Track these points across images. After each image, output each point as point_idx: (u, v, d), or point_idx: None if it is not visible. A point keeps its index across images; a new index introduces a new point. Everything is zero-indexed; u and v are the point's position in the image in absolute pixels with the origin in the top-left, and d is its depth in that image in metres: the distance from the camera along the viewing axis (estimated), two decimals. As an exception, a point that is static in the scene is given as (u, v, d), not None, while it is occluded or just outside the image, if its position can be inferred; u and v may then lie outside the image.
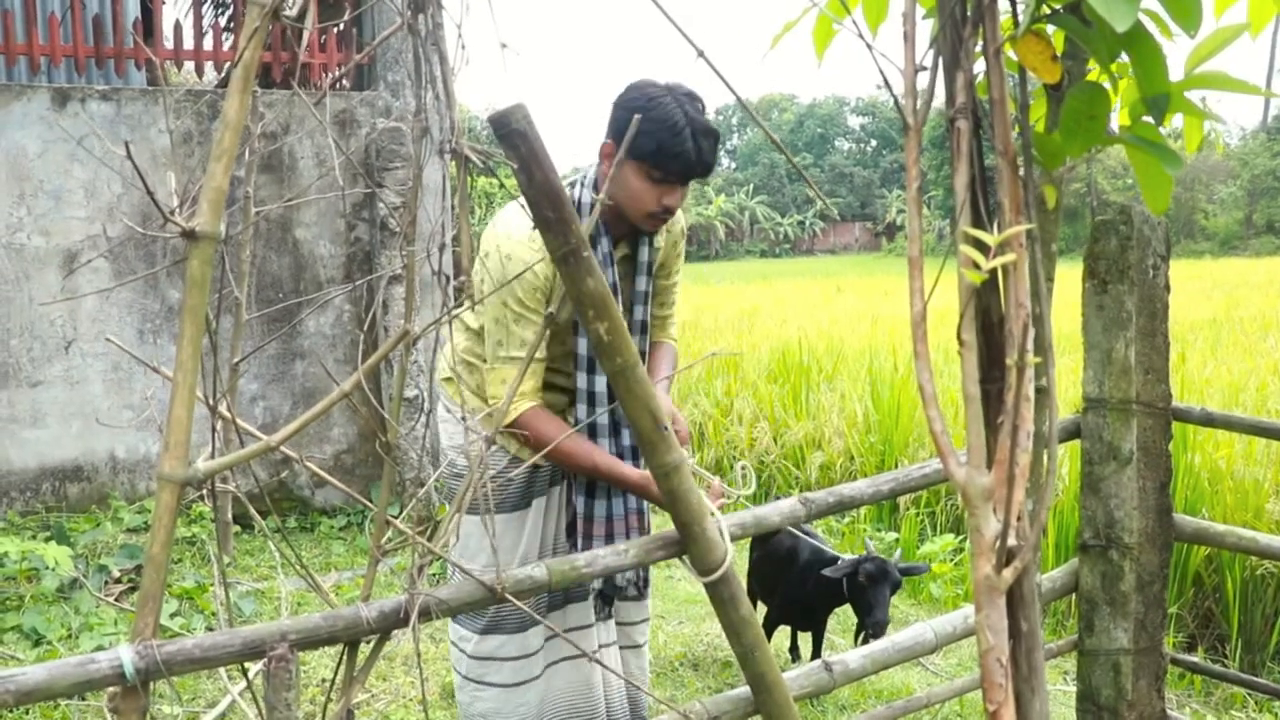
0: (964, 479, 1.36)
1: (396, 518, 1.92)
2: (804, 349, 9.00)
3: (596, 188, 2.40)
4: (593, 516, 2.42)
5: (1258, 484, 4.67)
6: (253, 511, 2.06)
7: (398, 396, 2.03)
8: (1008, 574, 1.33)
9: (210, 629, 4.31)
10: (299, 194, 5.09)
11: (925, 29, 1.45)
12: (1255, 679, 2.97)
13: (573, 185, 2.44)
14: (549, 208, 1.73)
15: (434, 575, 4.60)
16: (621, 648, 2.63)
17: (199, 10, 5.56)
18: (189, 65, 5.78)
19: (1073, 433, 2.68)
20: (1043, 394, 2.39)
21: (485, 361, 2.42)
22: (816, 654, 3.78)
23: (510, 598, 1.89)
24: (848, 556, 3.50)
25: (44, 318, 5.08)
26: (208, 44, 5.66)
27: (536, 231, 2.41)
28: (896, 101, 1.44)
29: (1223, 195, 47.87)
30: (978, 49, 1.39)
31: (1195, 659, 3.10)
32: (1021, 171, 1.37)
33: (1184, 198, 47.50)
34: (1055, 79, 1.37)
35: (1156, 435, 2.60)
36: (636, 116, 2.24)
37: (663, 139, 2.21)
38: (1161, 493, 2.62)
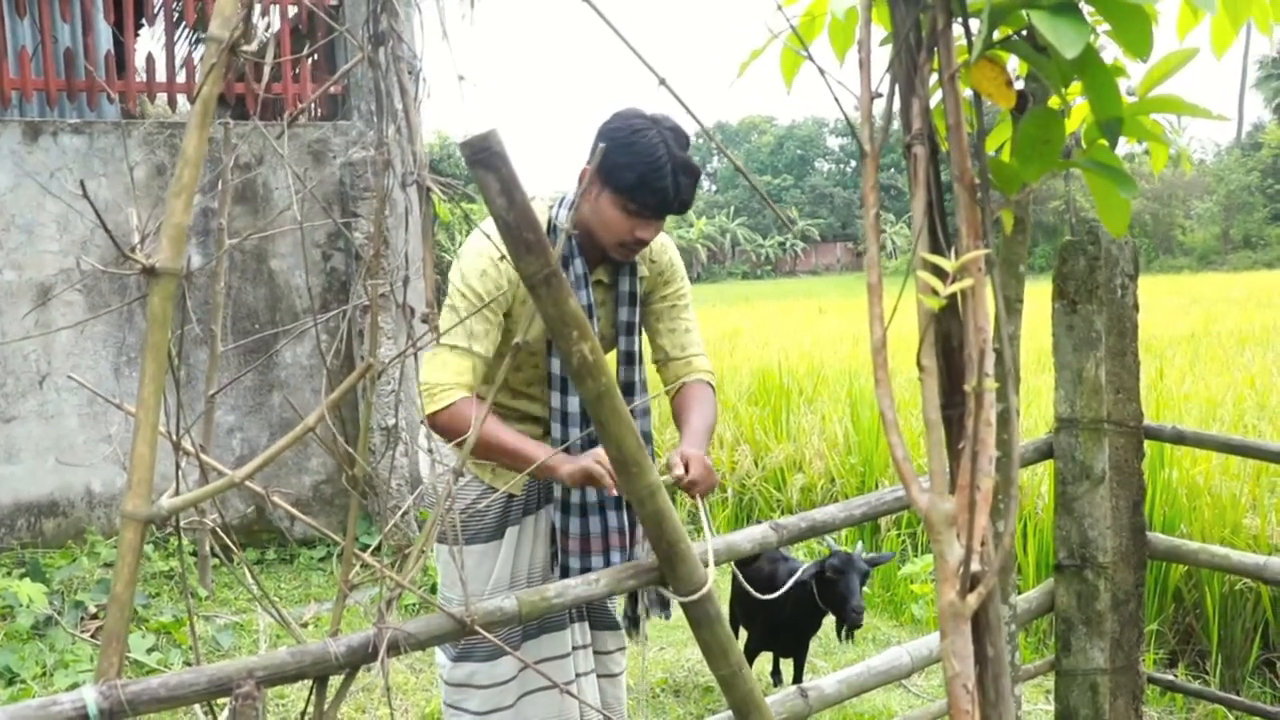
0: (926, 505, 1.35)
1: (370, 549, 1.91)
2: (784, 371, 9.01)
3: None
4: (569, 532, 2.41)
5: (1234, 499, 4.68)
6: (230, 543, 2.04)
7: (364, 429, 2.02)
8: (972, 599, 1.33)
9: (188, 664, 4.27)
10: (273, 225, 5.08)
11: (883, 55, 1.46)
12: (1230, 696, 2.97)
13: (551, 207, 2.45)
14: (528, 230, 1.72)
15: (413, 605, 4.57)
16: (598, 676, 2.61)
17: (171, 43, 5.56)
18: (162, 98, 5.78)
19: (1046, 453, 2.68)
20: (1007, 417, 2.40)
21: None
22: (798, 678, 3.77)
23: (480, 630, 1.87)
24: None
25: (17, 353, 5.05)
26: (182, 77, 5.66)
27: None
28: (853, 128, 1.44)
29: (1199, 211, 48.31)
30: (935, 75, 1.39)
31: (1172, 677, 3.10)
32: (979, 196, 1.38)
33: (1161, 214, 47.91)
34: (1011, 104, 1.38)
35: (1129, 454, 2.61)
36: (602, 145, 2.25)
37: (643, 173, 2.20)
38: (1135, 511, 2.62)
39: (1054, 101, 1.43)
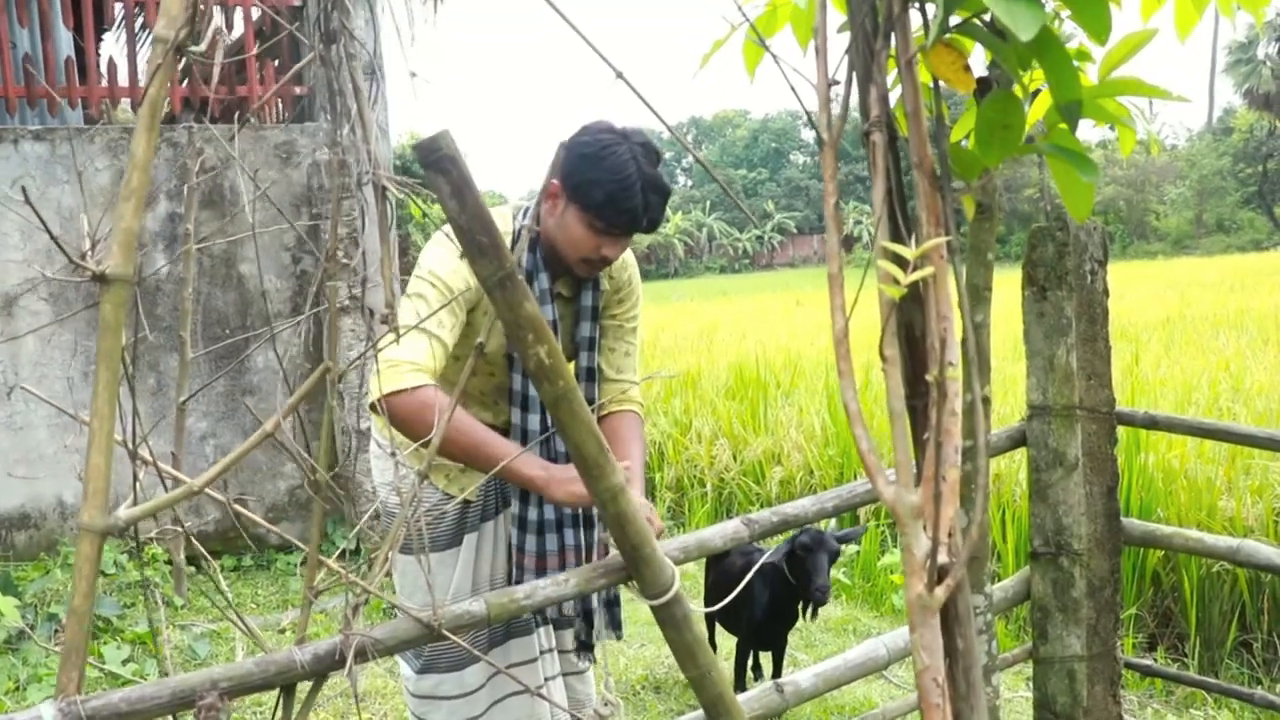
0: (892, 497, 1.34)
1: (336, 554, 1.88)
2: (761, 364, 9.00)
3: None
4: (525, 549, 2.37)
5: (1210, 482, 4.70)
6: (202, 551, 2.00)
7: (326, 433, 1.98)
8: (940, 592, 1.31)
9: (165, 673, 4.21)
10: (240, 229, 5.03)
11: (841, 42, 1.44)
12: (1208, 680, 2.97)
13: (515, 215, 2.39)
14: (482, 233, 1.70)
15: (389, 608, 4.54)
16: (565, 675, 2.59)
17: (133, 47, 5.50)
18: (127, 102, 5.71)
19: (1019, 440, 2.68)
20: (982, 404, 2.39)
21: None
22: (777, 672, 3.76)
23: (449, 634, 1.85)
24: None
25: (-16, 363, 4.99)
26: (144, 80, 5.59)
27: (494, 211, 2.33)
28: (810, 116, 1.43)
29: (1173, 196, 48.62)
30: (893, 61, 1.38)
31: (1150, 662, 3.10)
32: (940, 183, 1.36)
33: (1135, 199, 48.17)
34: (969, 89, 1.36)
35: (1101, 440, 2.60)
36: (568, 158, 2.19)
37: (612, 191, 2.14)
38: (1109, 497, 2.61)
39: (1017, 89, 1.41)
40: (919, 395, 1.42)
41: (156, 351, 5.15)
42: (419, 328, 2.17)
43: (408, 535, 2.47)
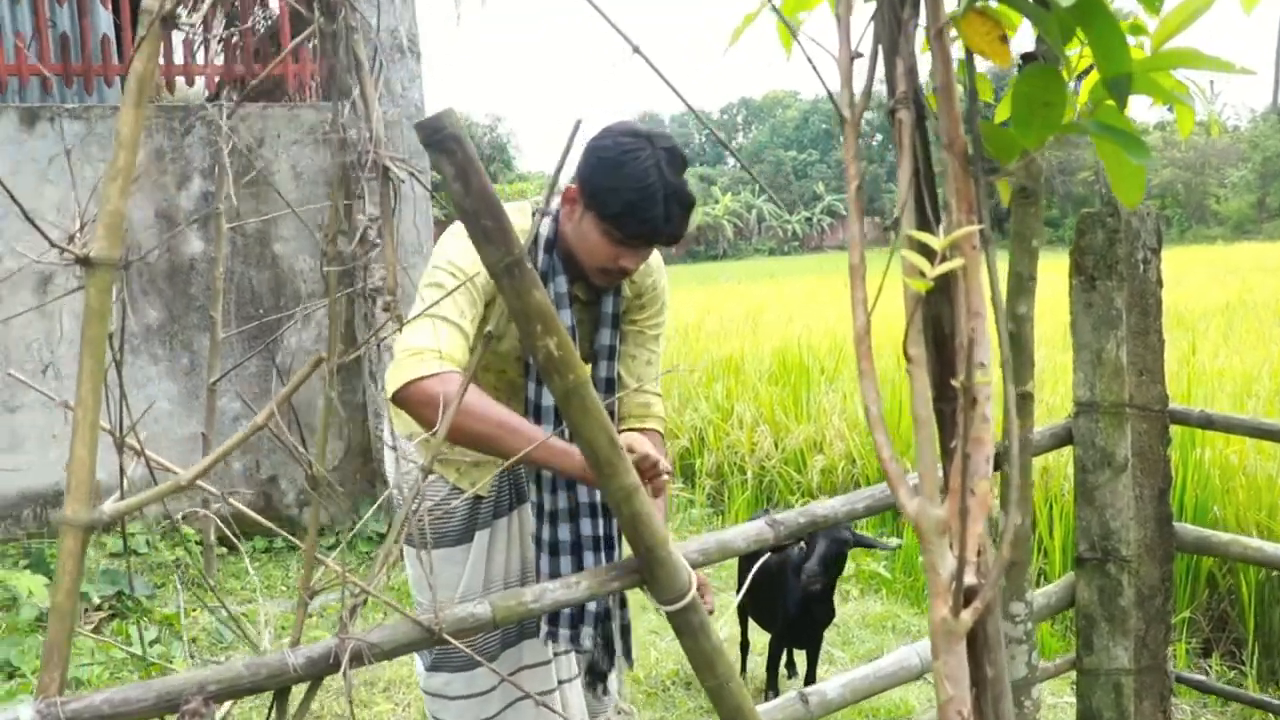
0: (915, 511, 1.22)
1: (332, 549, 1.80)
2: (805, 349, 8.84)
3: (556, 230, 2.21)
4: (541, 538, 2.27)
5: (1271, 480, 4.50)
6: (231, 534, 1.93)
7: (324, 424, 1.90)
8: (966, 616, 1.19)
9: (192, 656, 4.19)
10: (275, 208, 4.98)
11: (867, 11, 1.32)
12: (1268, 699, 2.81)
13: (535, 213, 2.27)
14: (487, 217, 1.60)
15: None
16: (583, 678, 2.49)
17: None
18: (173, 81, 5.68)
19: (1064, 439, 2.54)
20: (1024, 401, 2.25)
21: None
22: (811, 671, 3.64)
23: (449, 638, 1.76)
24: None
25: (20, 342, 4.97)
26: (181, 59, 5.56)
27: (508, 207, 2.21)
28: (830, 93, 1.31)
29: (1234, 179, 47.47)
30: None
31: (1203, 678, 2.95)
32: (972, 166, 1.23)
33: (1194, 182, 47.14)
34: (1005, 62, 1.23)
35: (1153, 440, 2.45)
36: (588, 163, 2.05)
37: (631, 200, 2.00)
38: (1160, 501, 2.47)
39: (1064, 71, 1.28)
40: (948, 398, 1.30)
41: (190, 331, 5.12)
42: (441, 316, 2.07)
43: (415, 528, 2.40)
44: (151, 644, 4.12)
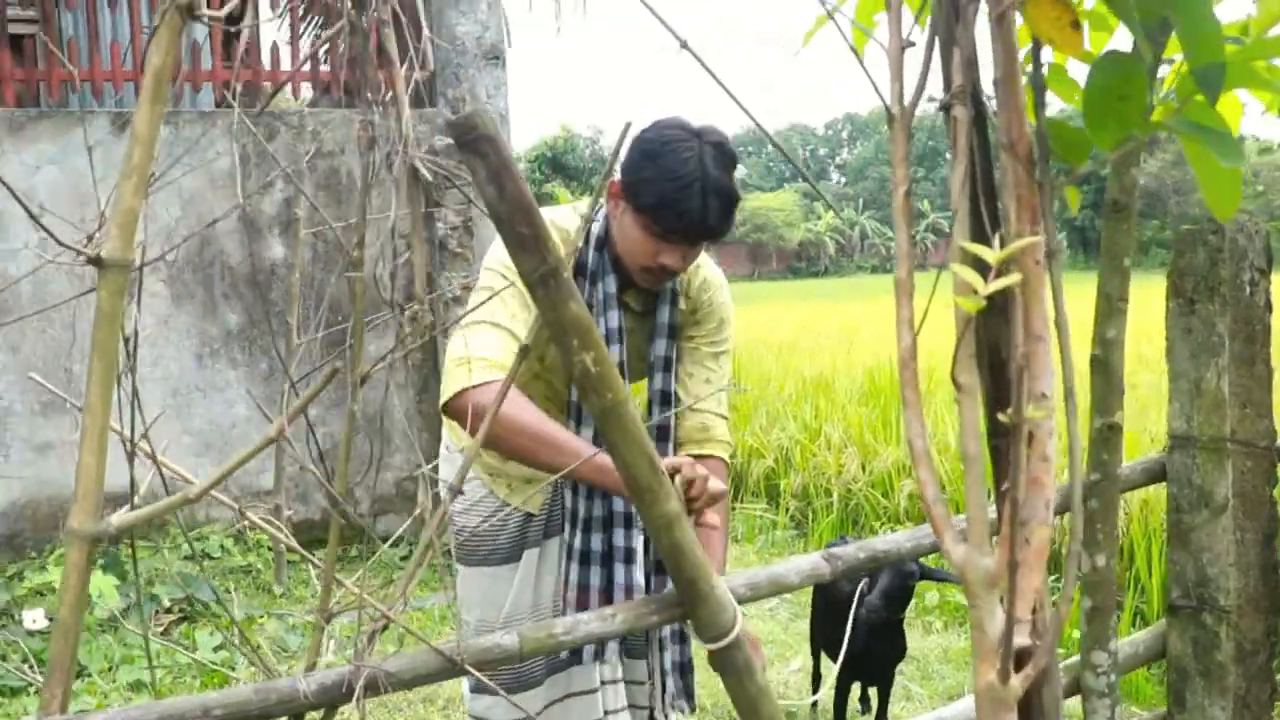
0: (961, 559, 1.08)
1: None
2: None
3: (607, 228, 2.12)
4: (569, 580, 2.17)
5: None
6: (296, 544, 1.86)
7: (347, 439, 1.81)
8: (1016, 683, 1.04)
9: (253, 665, 4.17)
10: (356, 214, 4.96)
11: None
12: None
13: (584, 213, 2.17)
14: (522, 223, 1.51)
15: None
16: (632, 708, 2.36)
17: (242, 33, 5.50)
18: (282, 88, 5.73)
19: (1157, 475, 2.34)
20: (1113, 433, 2.06)
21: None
22: (882, 711, 3.45)
23: (471, 670, 1.66)
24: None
25: (80, 349, 5.04)
26: (282, 64, 5.61)
27: (558, 211, 2.12)
28: (876, 88, 1.17)
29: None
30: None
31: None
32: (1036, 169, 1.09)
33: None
34: (1077, 51, 1.08)
35: (1258, 479, 2.24)
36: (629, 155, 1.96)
37: (666, 191, 1.91)
38: (1265, 546, 2.25)
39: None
40: (1002, 433, 1.15)
41: (270, 336, 5.14)
42: (493, 322, 2.00)
43: (466, 545, 2.33)
44: (217, 649, 4.11)
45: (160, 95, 1.54)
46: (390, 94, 1.68)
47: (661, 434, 2.18)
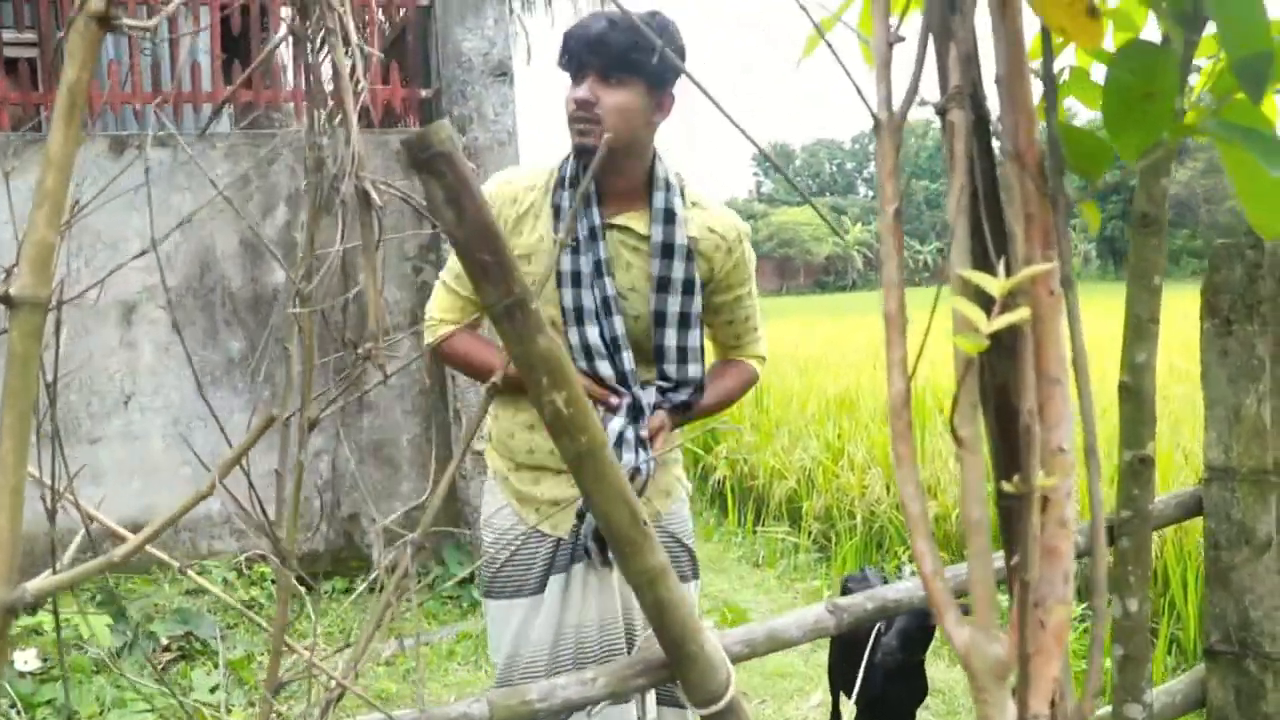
0: (964, 645, 0.91)
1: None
2: (928, 385, 8.37)
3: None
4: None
5: None
6: (304, 577, 1.72)
7: (295, 490, 1.66)
8: (1033, 795, 0.88)
9: (252, 704, 4.03)
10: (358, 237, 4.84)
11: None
12: None
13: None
14: (485, 250, 1.37)
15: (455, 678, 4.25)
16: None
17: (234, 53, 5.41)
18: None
19: (1193, 509, 2.16)
20: (1145, 467, 1.88)
21: (508, 413, 2.25)
22: (905, 754, 3.26)
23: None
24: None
25: (102, 372, 4.93)
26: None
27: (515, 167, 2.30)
28: (861, 93, 1.01)
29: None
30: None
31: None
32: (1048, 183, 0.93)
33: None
34: (1093, 43, 0.91)
35: (1304, 514, 2.06)
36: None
37: (570, 28, 2.07)
38: (1313, 587, 2.07)
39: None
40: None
41: (273, 363, 5.01)
42: (441, 280, 2.25)
43: (497, 579, 2.26)
44: (213, 690, 3.97)
45: (75, 114, 1.38)
46: (339, 114, 1.54)
47: (658, 355, 2.16)
